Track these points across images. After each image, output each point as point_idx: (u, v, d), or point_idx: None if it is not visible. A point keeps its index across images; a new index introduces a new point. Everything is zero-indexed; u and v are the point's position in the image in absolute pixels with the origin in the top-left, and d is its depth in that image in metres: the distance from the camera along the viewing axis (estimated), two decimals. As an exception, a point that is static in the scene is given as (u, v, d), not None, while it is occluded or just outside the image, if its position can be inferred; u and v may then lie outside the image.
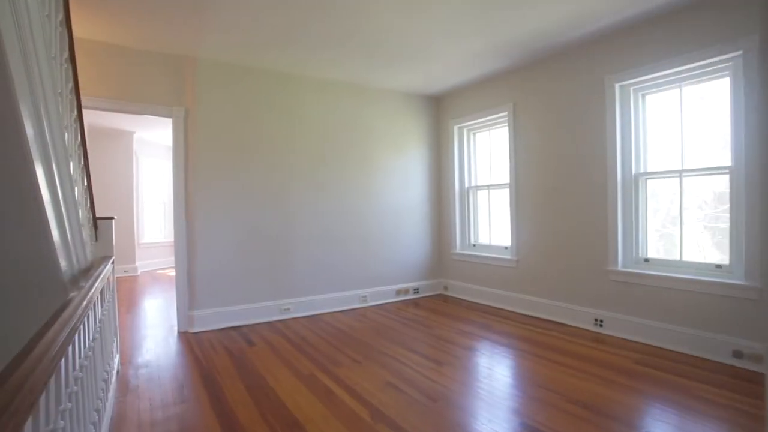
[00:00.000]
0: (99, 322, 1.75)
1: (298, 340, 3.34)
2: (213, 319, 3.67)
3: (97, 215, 2.47)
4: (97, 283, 1.60)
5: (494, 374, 2.63)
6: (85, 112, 5.41)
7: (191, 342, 3.30)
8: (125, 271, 6.90)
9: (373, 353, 3.01)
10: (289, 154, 4.10)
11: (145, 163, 7.82)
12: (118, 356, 2.63)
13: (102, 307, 1.86)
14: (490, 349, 3.09)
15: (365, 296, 4.56)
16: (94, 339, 1.62)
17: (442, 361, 2.84)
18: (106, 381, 1.96)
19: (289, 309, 4.06)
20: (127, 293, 5.40)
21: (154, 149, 7.88)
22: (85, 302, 1.31)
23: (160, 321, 3.99)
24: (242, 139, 3.85)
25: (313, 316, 4.11)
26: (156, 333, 3.58)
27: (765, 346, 2.39)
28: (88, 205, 2.09)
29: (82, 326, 1.36)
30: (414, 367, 2.74)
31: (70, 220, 1.49)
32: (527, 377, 2.56)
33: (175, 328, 3.65)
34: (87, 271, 1.81)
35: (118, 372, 2.58)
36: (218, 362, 2.84)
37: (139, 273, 7.10)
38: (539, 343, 3.18)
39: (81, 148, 1.84)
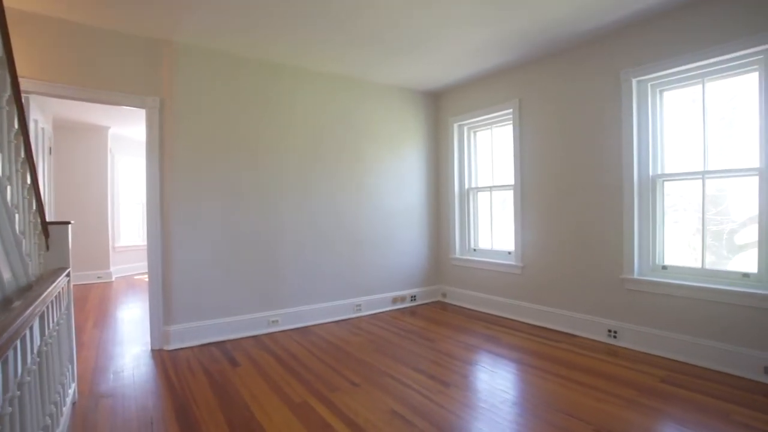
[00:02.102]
0: (37, 354, 1.39)
1: (288, 357, 3.00)
2: (192, 334, 3.30)
3: (61, 219, 2.10)
4: (34, 306, 1.25)
5: (507, 396, 2.34)
6: (51, 103, 4.99)
7: (166, 362, 2.92)
8: (98, 278, 6.42)
9: (372, 373, 2.69)
10: (278, 152, 3.75)
11: (122, 161, 7.33)
12: (74, 385, 2.25)
13: (46, 332, 1.51)
14: (498, 366, 2.81)
15: (359, 305, 4.23)
16: (29, 374, 1.28)
17: (449, 382, 2.54)
18: (53, 419, 1.60)
19: (277, 321, 3.71)
20: (98, 303, 4.95)
21: (132, 146, 7.40)
22: (6, 335, 0.97)
23: (133, 336, 3.58)
24: (225, 135, 3.48)
25: (303, 328, 3.77)
26: (126, 351, 3.19)
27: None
28: (33, 208, 1.73)
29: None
30: (419, 389, 2.44)
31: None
32: (544, 400, 2.28)
33: (149, 345, 3.26)
34: (26, 290, 1.45)
35: (74, 404, 2.20)
36: (196, 389, 2.48)
37: (113, 279, 6.62)
38: (551, 358, 2.92)
39: (19, 138, 1.48)
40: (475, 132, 4.69)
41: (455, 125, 4.70)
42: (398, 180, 4.58)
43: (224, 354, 3.08)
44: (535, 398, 2.32)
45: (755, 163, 2.65)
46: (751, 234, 2.72)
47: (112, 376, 2.69)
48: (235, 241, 3.51)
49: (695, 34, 2.80)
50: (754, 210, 2.68)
